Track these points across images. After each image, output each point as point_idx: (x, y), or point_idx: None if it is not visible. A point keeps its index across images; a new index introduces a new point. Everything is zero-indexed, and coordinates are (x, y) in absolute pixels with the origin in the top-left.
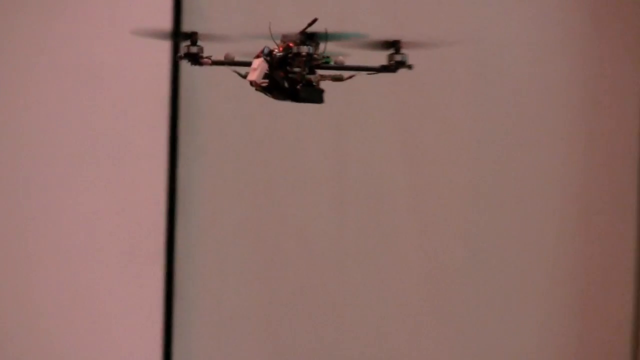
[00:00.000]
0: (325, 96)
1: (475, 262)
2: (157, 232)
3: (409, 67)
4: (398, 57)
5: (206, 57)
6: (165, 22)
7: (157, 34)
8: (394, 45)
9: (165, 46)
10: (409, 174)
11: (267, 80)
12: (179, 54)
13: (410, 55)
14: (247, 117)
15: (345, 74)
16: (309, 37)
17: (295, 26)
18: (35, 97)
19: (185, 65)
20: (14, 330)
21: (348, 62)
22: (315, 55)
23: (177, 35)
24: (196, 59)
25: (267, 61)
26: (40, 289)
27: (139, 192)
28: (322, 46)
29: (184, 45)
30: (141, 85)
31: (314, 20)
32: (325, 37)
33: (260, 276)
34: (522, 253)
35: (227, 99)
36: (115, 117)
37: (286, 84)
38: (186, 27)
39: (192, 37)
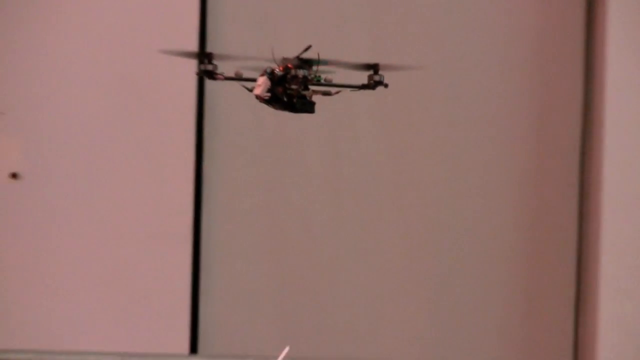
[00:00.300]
0: (324, 107)
1: (445, 241)
2: (185, 218)
3: (385, 85)
4: (376, 77)
5: (219, 74)
6: (192, 42)
7: (181, 54)
8: (373, 67)
9: (193, 62)
10: (390, 167)
11: (269, 94)
12: (196, 71)
13: (387, 75)
14: (260, 118)
15: (333, 89)
16: (304, 61)
17: (293, 50)
18: (89, 102)
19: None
20: (65, 302)
21: (335, 80)
22: (309, 75)
23: (196, 55)
24: (211, 75)
25: (269, 79)
26: (88, 265)
27: (171, 184)
28: (314, 67)
29: (202, 64)
30: (173, 92)
31: (308, 47)
32: (317, 61)
33: (272, 251)
34: (481, 231)
35: (243, 105)
36: (150, 120)
37: (285, 98)
38: (209, 47)
39: (208, 56)
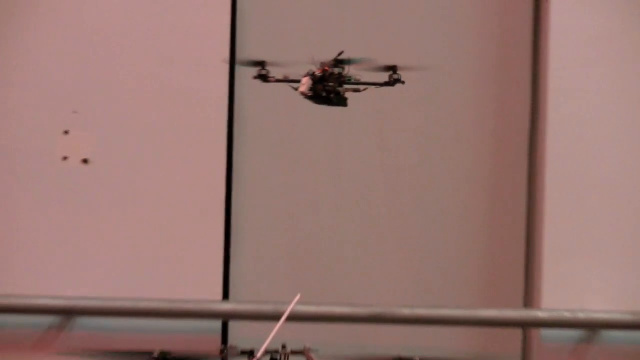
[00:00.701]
0: (322, 109)
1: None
2: (219, 190)
3: (403, 82)
4: (395, 76)
5: (272, 77)
6: (224, 50)
7: (241, 62)
8: (392, 69)
9: (224, 70)
10: (380, 158)
11: (311, 92)
12: (254, 75)
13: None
14: (280, 112)
15: (362, 87)
16: (338, 63)
17: (329, 54)
18: (142, 102)
19: (239, 82)
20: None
21: (362, 79)
22: (342, 75)
23: (254, 63)
24: (265, 78)
25: (311, 79)
26: (140, 227)
27: (208, 162)
28: (347, 69)
29: (257, 69)
30: (209, 90)
31: (341, 52)
32: (349, 62)
33: (289, 217)
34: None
35: (267, 102)
36: (191, 114)
37: (324, 94)
38: (239, 54)
39: (262, 64)
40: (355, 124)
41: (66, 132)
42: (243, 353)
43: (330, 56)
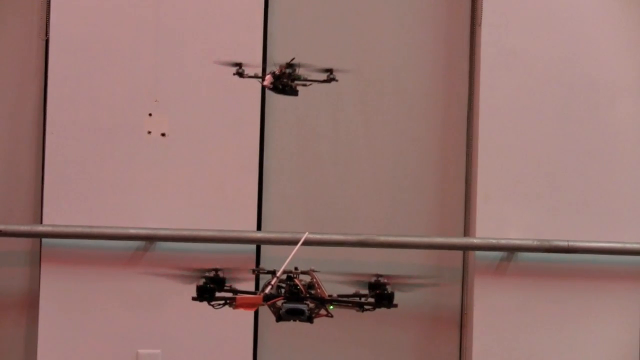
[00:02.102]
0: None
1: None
2: (253, 142)
3: (337, 80)
4: (331, 76)
5: (246, 74)
6: (258, 53)
7: (220, 62)
8: (329, 70)
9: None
10: (363, 125)
11: (272, 85)
12: (233, 72)
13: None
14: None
15: (307, 83)
16: (289, 66)
17: (286, 58)
18: (199, 91)
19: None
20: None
21: (309, 77)
22: (293, 74)
23: (231, 64)
24: (241, 75)
25: (272, 76)
26: (194, 170)
27: (246, 136)
28: (297, 69)
29: (236, 69)
30: (244, 86)
31: (293, 58)
32: (298, 65)
33: (308, 165)
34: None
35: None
36: (235, 101)
37: (280, 87)
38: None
39: (240, 65)
40: (345, 97)
41: (150, 115)
42: (268, 272)
43: (288, 59)
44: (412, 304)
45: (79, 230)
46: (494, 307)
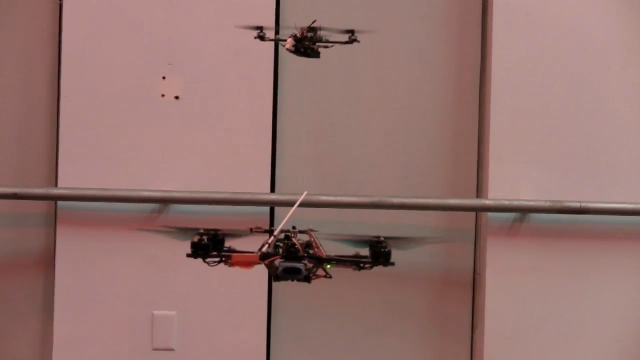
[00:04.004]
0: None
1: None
2: (267, 118)
3: (358, 41)
4: (353, 37)
5: (267, 37)
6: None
7: (242, 26)
8: (351, 31)
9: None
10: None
11: (294, 48)
12: (254, 36)
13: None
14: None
15: (329, 44)
16: (311, 29)
17: (307, 21)
18: (215, 66)
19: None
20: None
21: (330, 39)
22: (315, 36)
23: (252, 27)
24: (262, 38)
25: (293, 39)
26: (204, 132)
27: (258, 99)
28: (318, 32)
29: (257, 32)
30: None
31: (314, 21)
32: (319, 28)
33: (320, 130)
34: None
35: (298, 76)
36: (250, 74)
37: (302, 50)
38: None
39: (261, 28)
40: (358, 58)
41: (163, 78)
42: (265, 231)
43: (307, 22)
44: (424, 266)
45: (93, 192)
46: (507, 267)
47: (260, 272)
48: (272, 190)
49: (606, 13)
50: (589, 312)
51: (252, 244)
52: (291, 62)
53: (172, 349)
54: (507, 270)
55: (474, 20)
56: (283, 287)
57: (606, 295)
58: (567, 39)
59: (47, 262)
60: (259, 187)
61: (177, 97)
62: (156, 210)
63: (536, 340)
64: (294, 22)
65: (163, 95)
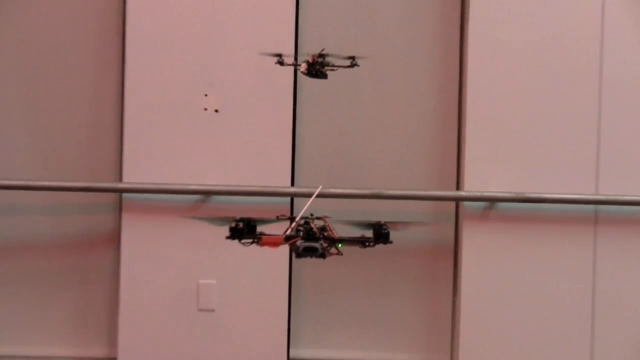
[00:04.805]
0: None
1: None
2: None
3: (358, 65)
4: (354, 62)
5: (286, 63)
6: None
7: (264, 53)
8: (352, 57)
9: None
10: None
11: (307, 71)
12: (275, 61)
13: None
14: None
15: (335, 68)
16: (320, 55)
17: (314, 48)
18: (242, 79)
19: (300, 80)
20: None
21: (335, 63)
22: (323, 61)
23: (273, 54)
24: (282, 63)
25: (307, 64)
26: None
27: (279, 114)
28: (326, 57)
29: (277, 58)
30: (281, 76)
31: (323, 49)
32: (327, 55)
33: (329, 133)
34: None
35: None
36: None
37: (313, 72)
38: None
39: (280, 55)
40: (360, 79)
41: (205, 95)
42: (288, 218)
43: (317, 50)
44: (415, 244)
45: (151, 186)
46: (479, 245)
47: (283, 251)
48: (292, 184)
49: (578, 15)
50: (544, 278)
51: (278, 229)
52: (307, 82)
53: (212, 310)
54: (480, 247)
55: (453, 53)
56: (301, 262)
57: (557, 265)
58: (535, 63)
59: (115, 241)
60: (282, 181)
61: (216, 111)
62: (199, 201)
63: (503, 301)
64: (306, 50)
65: (205, 109)
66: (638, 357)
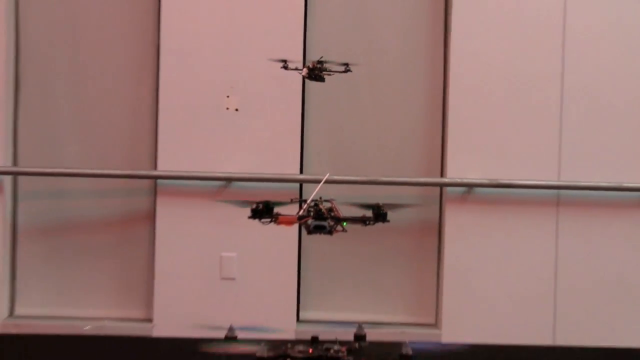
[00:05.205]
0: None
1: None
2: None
3: (351, 71)
4: (347, 68)
5: (290, 68)
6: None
7: (271, 59)
8: (346, 64)
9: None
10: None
11: (308, 75)
12: (280, 66)
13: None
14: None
15: (331, 73)
16: (319, 62)
17: (317, 56)
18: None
19: (307, 83)
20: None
21: (332, 69)
22: (322, 67)
23: (279, 60)
24: (287, 68)
25: (307, 68)
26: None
27: (289, 102)
28: (324, 64)
29: (282, 63)
30: (291, 82)
31: (321, 57)
32: (324, 61)
33: (332, 124)
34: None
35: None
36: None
37: (312, 76)
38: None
39: (285, 61)
40: (357, 82)
41: (227, 96)
42: (301, 201)
43: (317, 57)
44: (407, 222)
45: (181, 174)
46: (459, 224)
47: (293, 229)
48: (301, 172)
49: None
50: (514, 251)
51: (291, 210)
52: (313, 85)
53: (233, 279)
54: (460, 226)
55: (439, 62)
56: (309, 238)
57: (525, 240)
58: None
59: (151, 220)
60: (292, 170)
61: (237, 110)
62: (222, 186)
63: (480, 270)
64: (313, 55)
65: (227, 108)
66: (594, 314)
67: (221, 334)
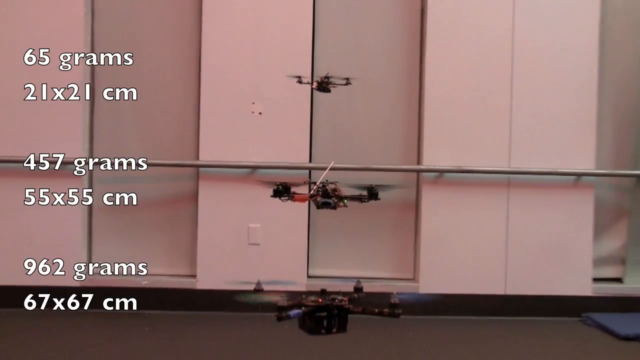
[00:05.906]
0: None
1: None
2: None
3: (350, 84)
4: (348, 82)
5: (303, 82)
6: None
7: (289, 76)
8: (347, 79)
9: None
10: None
11: (317, 88)
12: (295, 81)
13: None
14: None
15: (336, 85)
16: (326, 77)
17: (324, 71)
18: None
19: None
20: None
21: (336, 82)
22: (328, 81)
23: (293, 76)
24: (300, 82)
25: (317, 82)
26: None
27: (298, 117)
28: (329, 78)
29: (297, 79)
30: (298, 92)
31: (327, 73)
32: (330, 76)
33: (332, 118)
34: None
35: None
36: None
37: (321, 88)
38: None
39: (300, 77)
40: (354, 92)
41: (253, 102)
42: (312, 183)
43: (324, 73)
44: (391, 199)
45: (219, 162)
46: (433, 201)
47: (304, 206)
48: (310, 161)
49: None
50: (475, 222)
51: (303, 190)
52: (319, 94)
53: (258, 244)
54: (433, 203)
55: (415, 74)
56: (317, 212)
57: (483, 214)
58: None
59: (194, 199)
60: (302, 159)
61: (260, 113)
62: (249, 172)
63: (449, 237)
64: (319, 70)
65: (253, 112)
66: (536, 269)
67: (250, 287)
